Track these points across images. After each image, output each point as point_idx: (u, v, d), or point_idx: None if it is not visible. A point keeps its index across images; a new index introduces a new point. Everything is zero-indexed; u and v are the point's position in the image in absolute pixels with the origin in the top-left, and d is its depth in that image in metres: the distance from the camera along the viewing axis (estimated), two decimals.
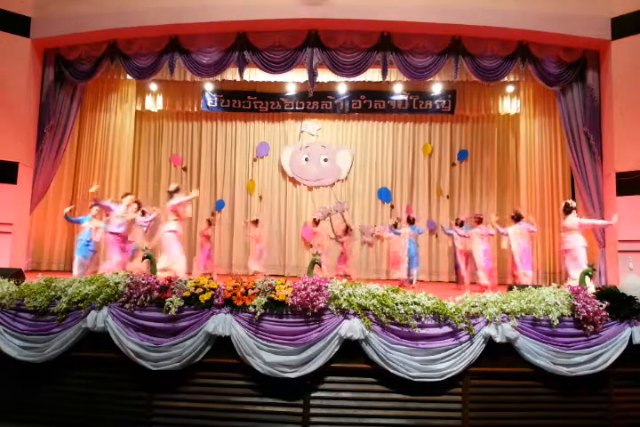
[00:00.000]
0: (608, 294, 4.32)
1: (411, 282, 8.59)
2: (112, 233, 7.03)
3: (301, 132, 11.32)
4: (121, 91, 10.56)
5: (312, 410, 4.09)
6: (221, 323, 4.05)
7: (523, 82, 9.56)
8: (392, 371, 4.01)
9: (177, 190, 7.52)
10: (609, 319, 4.18)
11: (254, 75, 9.33)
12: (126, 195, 7.53)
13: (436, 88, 10.36)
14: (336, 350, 4.03)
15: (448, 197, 10.95)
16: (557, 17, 7.67)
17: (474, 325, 4.08)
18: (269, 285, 4.22)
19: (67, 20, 8.18)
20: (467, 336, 4.07)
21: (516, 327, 4.07)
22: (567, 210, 7.02)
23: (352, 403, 4.10)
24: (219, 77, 9.10)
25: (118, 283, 4.28)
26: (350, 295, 4.13)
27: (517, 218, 7.85)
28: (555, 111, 9.08)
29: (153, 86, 10.64)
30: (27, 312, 4.33)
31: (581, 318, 4.09)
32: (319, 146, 11.23)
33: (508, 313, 4.13)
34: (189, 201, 7.77)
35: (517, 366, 4.13)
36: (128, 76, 9.12)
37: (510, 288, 4.70)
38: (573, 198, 9.12)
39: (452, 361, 4.04)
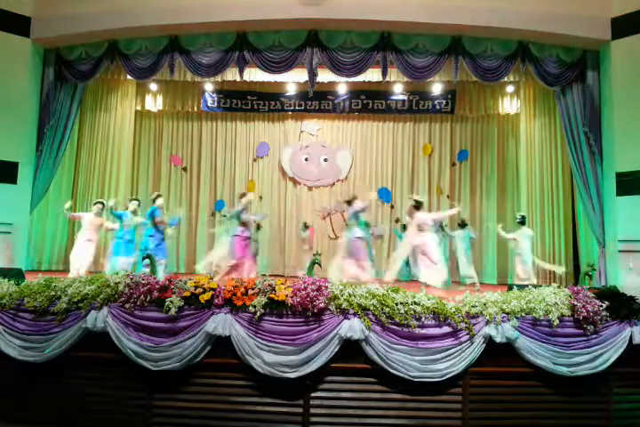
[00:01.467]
0: (608, 293, 4.33)
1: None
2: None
3: (301, 132, 11.30)
4: (121, 91, 10.54)
5: (312, 410, 4.09)
6: (221, 323, 4.05)
7: (523, 82, 9.54)
8: (392, 371, 4.01)
9: (422, 203, 6.99)
10: (609, 319, 4.19)
11: (254, 75, 9.30)
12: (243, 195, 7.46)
13: (436, 88, 10.33)
14: (336, 350, 4.03)
15: (448, 196, 10.92)
16: (557, 17, 7.66)
17: (474, 325, 4.09)
18: (269, 285, 4.22)
19: (67, 20, 8.16)
20: (467, 336, 4.07)
21: (516, 327, 4.08)
22: (524, 221, 8.05)
23: (352, 403, 4.10)
24: (219, 77, 9.06)
25: (118, 283, 4.29)
26: (350, 295, 4.13)
27: (462, 224, 8.65)
28: (555, 111, 9.07)
29: (153, 86, 10.60)
30: (27, 312, 4.33)
31: (581, 318, 4.09)
32: (319, 146, 11.22)
33: (508, 313, 4.13)
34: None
35: (517, 366, 4.14)
36: (128, 76, 9.11)
37: (510, 288, 4.70)
38: (573, 198, 9.15)
39: (451, 361, 4.04)
